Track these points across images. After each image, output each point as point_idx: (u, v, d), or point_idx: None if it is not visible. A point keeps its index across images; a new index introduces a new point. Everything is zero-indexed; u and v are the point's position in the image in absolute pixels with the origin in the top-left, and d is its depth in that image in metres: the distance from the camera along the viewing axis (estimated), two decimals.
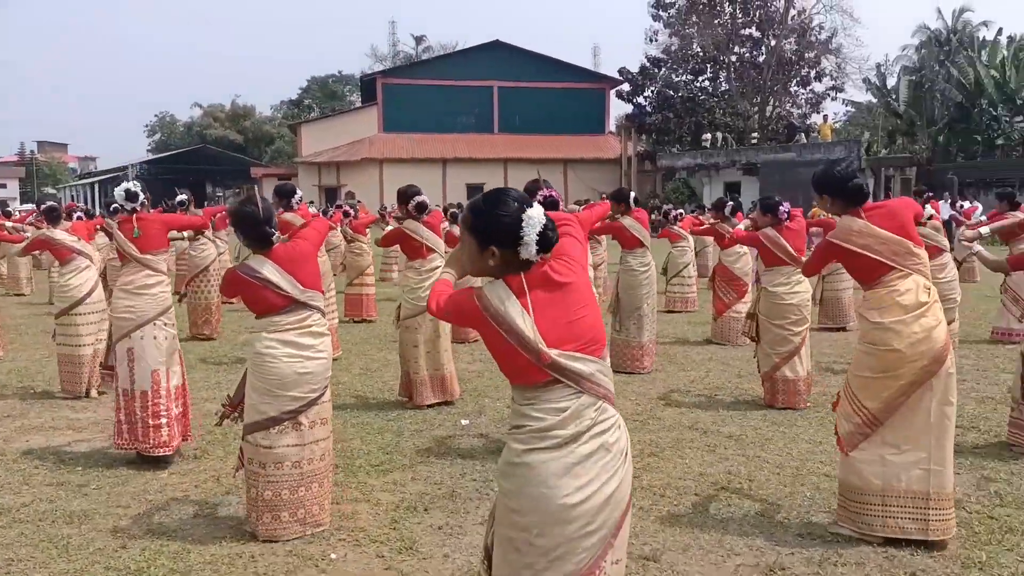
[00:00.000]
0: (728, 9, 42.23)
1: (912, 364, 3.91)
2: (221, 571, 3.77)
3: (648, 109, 42.65)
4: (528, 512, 2.39)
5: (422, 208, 6.90)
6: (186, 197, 10.07)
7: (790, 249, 6.52)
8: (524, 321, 2.37)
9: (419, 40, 69.92)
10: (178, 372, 5.34)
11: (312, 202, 41.55)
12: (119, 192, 5.45)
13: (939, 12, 44.70)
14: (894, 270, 4.00)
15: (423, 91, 46.97)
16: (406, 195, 6.81)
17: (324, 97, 72.77)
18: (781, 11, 41.26)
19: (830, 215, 4.49)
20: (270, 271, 3.99)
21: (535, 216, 2.38)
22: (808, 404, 6.56)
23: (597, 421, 2.43)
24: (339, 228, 11.82)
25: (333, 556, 3.90)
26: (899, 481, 3.96)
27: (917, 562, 3.85)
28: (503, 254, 2.40)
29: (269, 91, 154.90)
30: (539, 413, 2.40)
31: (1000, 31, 33.21)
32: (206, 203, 57.93)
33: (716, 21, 41.47)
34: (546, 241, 2.41)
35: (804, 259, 5.85)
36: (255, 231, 4.05)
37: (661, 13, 43.55)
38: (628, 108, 45.18)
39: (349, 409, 6.55)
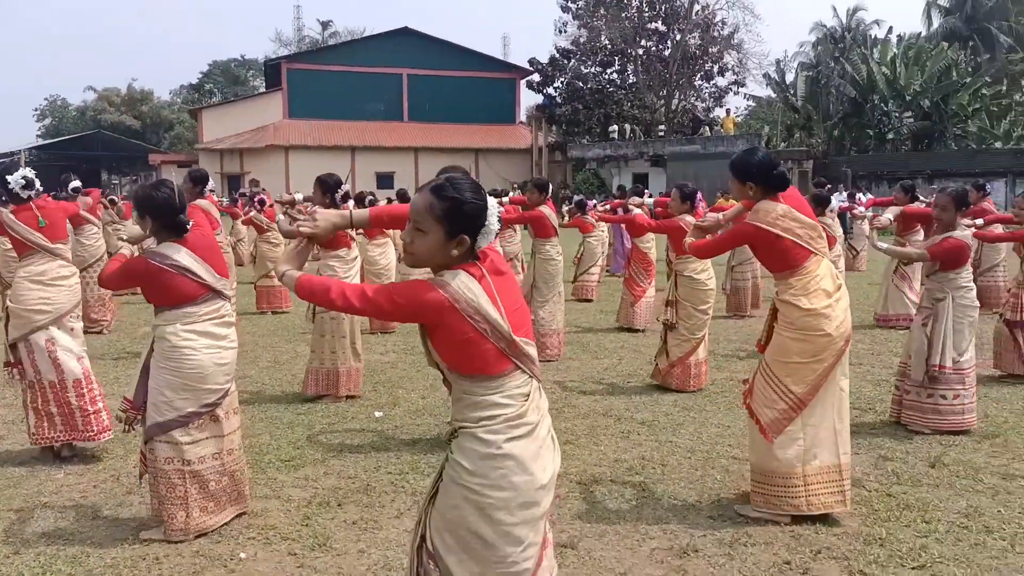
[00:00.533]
0: (635, 3, 42.97)
1: (835, 345, 4.05)
2: (123, 575, 3.60)
3: (558, 100, 42.98)
4: (507, 502, 2.39)
5: (345, 197, 6.78)
6: (79, 183, 9.60)
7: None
8: (495, 309, 2.37)
9: (325, 25, 68.64)
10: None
11: (212, 190, 40.36)
12: (16, 179, 5.14)
13: (834, 10, 46.65)
14: (812, 255, 4.10)
15: (330, 77, 46.11)
16: (328, 184, 6.63)
17: (226, 82, 70.65)
18: (686, 6, 42.22)
19: (741, 202, 4.55)
20: (186, 258, 3.85)
21: (492, 202, 2.41)
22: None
23: (544, 408, 2.52)
24: (252, 216, 11.53)
25: (242, 555, 3.77)
26: (815, 458, 4.11)
27: (822, 540, 3.98)
28: (464, 240, 2.37)
29: (168, 75, 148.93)
30: (507, 400, 2.40)
31: (891, 30, 34.93)
32: (104, 192, 55.54)
33: (623, 14, 42.16)
34: (491, 233, 2.42)
35: None
36: (171, 218, 3.89)
37: (570, 5, 43.97)
38: (538, 98, 45.45)
39: (257, 403, 6.36)
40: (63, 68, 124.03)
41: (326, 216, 2.80)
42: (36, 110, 75.93)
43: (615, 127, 37.91)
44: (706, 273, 6.73)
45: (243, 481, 4.12)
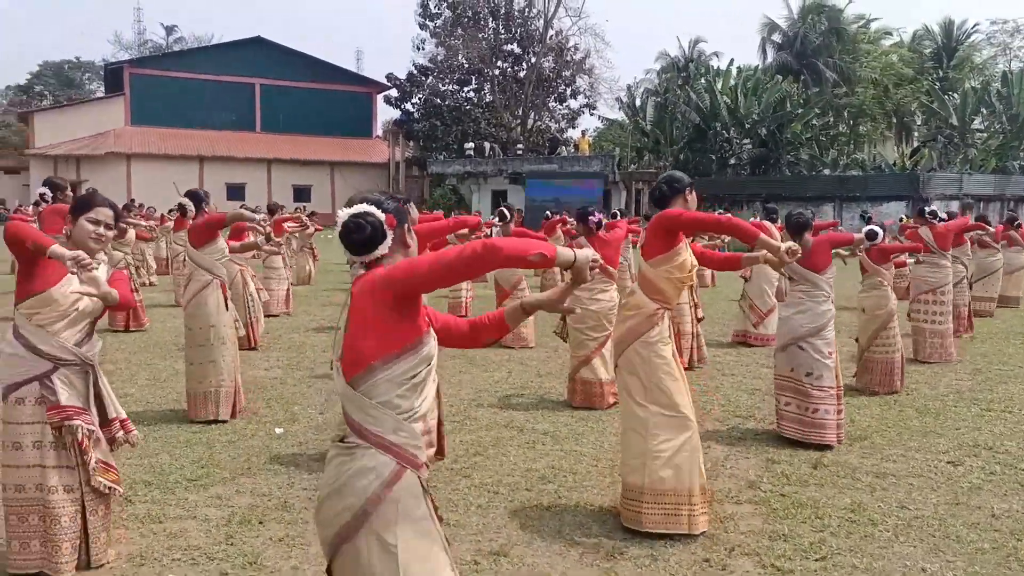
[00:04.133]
0: (492, 25, 43.77)
1: None
2: None
3: (416, 116, 43.04)
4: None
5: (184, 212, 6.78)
6: None
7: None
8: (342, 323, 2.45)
9: (170, 30, 65.96)
10: None
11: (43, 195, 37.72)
12: None
13: (678, 40, 49.29)
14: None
15: (177, 84, 44.25)
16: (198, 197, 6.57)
17: (59, 84, 66.29)
18: (540, 31, 43.40)
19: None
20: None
21: (342, 216, 2.44)
22: (609, 405, 6.82)
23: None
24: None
25: None
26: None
27: (732, 538, 4.25)
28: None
29: None
30: None
31: (732, 61, 37.14)
32: None
33: (480, 35, 42.88)
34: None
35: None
36: None
37: (428, 23, 44.25)
38: (395, 113, 45.40)
39: (147, 423, 6.06)
40: None
41: None
42: None
43: (471, 144, 38.36)
44: (586, 294, 6.71)
45: (56, 531, 3.51)
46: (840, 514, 4.60)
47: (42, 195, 6.96)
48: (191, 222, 6.60)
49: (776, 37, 41.88)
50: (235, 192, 41.33)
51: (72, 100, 54.83)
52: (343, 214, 2.42)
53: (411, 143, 43.98)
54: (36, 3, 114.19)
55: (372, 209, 2.41)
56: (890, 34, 43.55)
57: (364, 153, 46.93)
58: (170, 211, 18.55)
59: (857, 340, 7.85)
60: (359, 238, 2.40)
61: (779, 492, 4.94)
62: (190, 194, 6.91)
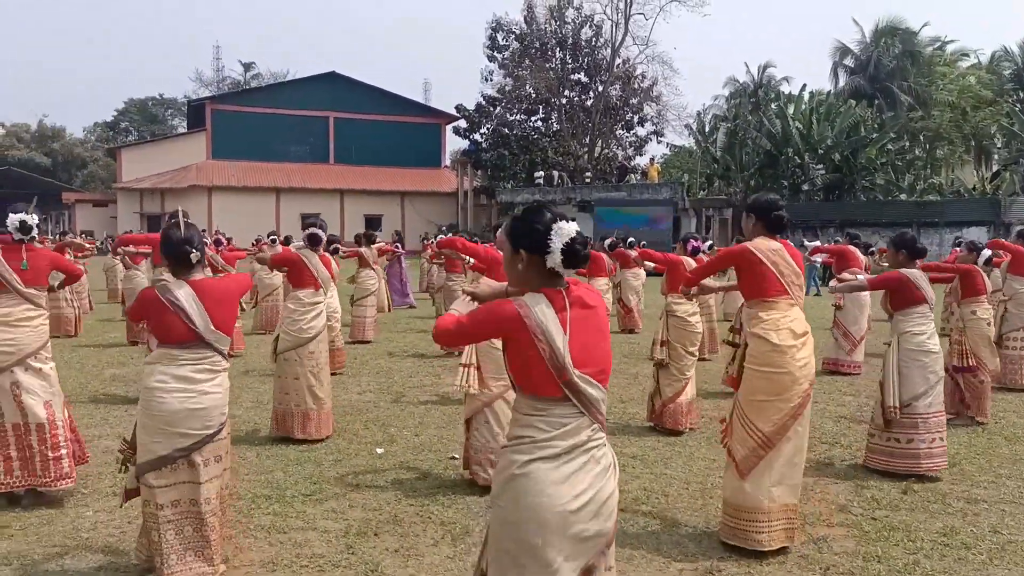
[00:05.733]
0: (559, 54, 44.36)
1: (799, 387, 4.34)
2: None
3: (484, 145, 43.75)
4: (528, 522, 2.55)
5: (314, 240, 7.01)
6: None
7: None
8: (560, 337, 2.60)
9: (248, 67, 68.34)
10: (62, 402, 5.14)
11: (131, 231, 39.50)
12: (12, 221, 5.17)
13: (746, 66, 49.12)
14: (786, 295, 4.48)
15: (255, 119, 45.92)
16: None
17: (143, 120, 69.35)
18: (607, 60, 43.79)
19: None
20: (185, 298, 3.81)
21: (564, 228, 2.64)
22: (690, 427, 7.02)
23: (591, 439, 2.67)
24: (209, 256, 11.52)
25: None
26: (774, 501, 4.35)
27: (827, 559, 4.37)
28: (530, 258, 2.67)
29: (81, 112, 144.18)
30: (544, 425, 2.61)
31: (804, 87, 36.86)
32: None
33: (547, 65, 43.46)
34: (573, 255, 2.64)
35: None
36: (175, 250, 3.91)
37: (496, 55, 45.05)
38: (464, 143, 46.21)
39: (257, 443, 6.45)
40: None
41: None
42: None
43: (541, 173, 38.79)
44: (695, 317, 7.10)
45: (211, 536, 3.82)
46: (932, 538, 4.67)
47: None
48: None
49: (848, 61, 41.53)
50: (310, 222, 42.50)
51: (156, 136, 57.29)
52: (571, 229, 2.64)
53: (479, 172, 44.70)
54: (122, 43, 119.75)
55: None
56: (967, 56, 42.77)
57: (433, 183, 47.88)
58: (256, 241, 19.33)
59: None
60: (585, 254, 2.68)
61: (870, 516, 5.03)
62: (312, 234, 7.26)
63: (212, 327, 3.83)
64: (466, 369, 5.22)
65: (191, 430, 3.76)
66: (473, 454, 5.30)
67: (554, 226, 2.62)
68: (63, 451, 4.99)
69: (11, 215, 5.18)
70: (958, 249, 8.06)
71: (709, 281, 5.07)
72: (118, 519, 4.70)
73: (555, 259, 2.62)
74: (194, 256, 3.90)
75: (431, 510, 4.94)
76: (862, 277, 6.95)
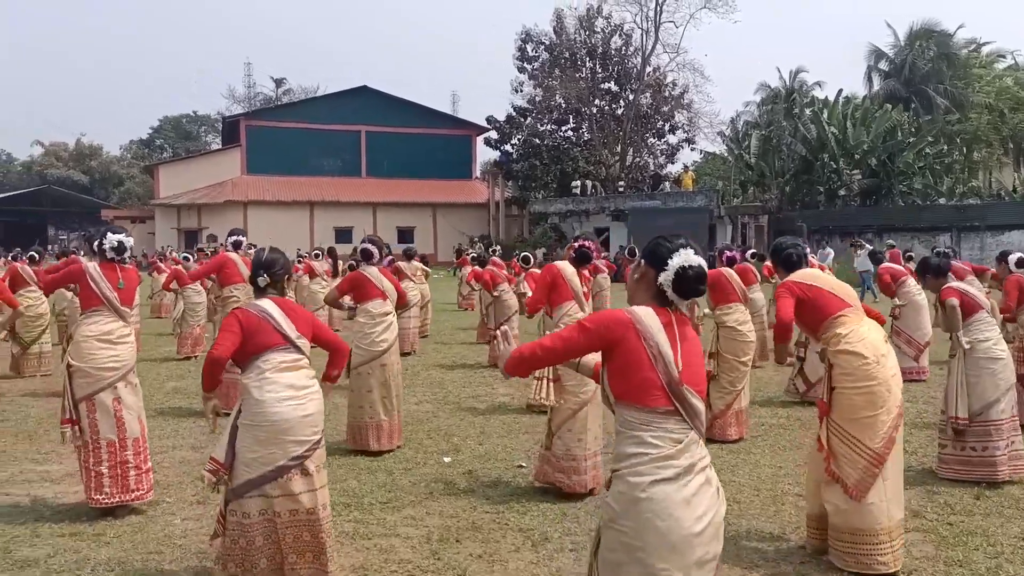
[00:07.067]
0: (588, 64, 44.45)
1: (895, 396, 4.29)
2: None
3: (515, 156, 43.90)
4: (656, 547, 2.56)
5: (366, 255, 7.04)
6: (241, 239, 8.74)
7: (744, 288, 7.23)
8: (667, 346, 2.70)
9: (279, 83, 69.16)
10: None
11: (170, 247, 40.14)
12: (110, 241, 5.33)
13: (779, 71, 48.86)
14: (850, 306, 4.48)
15: (289, 134, 46.48)
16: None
17: (178, 137, 70.44)
18: (638, 68, 43.80)
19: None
20: (271, 307, 4.03)
21: (686, 254, 2.75)
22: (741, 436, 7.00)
23: (701, 457, 2.70)
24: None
25: None
26: (891, 519, 4.26)
27: (908, 564, 4.37)
28: (647, 270, 2.82)
29: (117, 130, 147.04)
30: (657, 440, 2.63)
31: (840, 92, 36.55)
32: (50, 246, 54.35)
33: (578, 75, 43.55)
34: (684, 280, 2.74)
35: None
36: (252, 275, 4.19)
37: (526, 66, 45.25)
38: (494, 154, 46.48)
39: (330, 452, 6.50)
40: (8, 123, 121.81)
41: None
42: None
43: (577, 182, 38.83)
44: (747, 325, 7.09)
45: (326, 542, 3.91)
46: (1012, 542, 4.66)
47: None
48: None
49: (882, 65, 41.15)
50: (343, 235, 42.99)
51: (191, 152, 58.16)
52: (692, 258, 2.76)
53: (510, 183, 44.85)
54: (156, 62, 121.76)
55: None
56: (1003, 57, 42.23)
57: (464, 194, 48.13)
58: (299, 259, 19.52)
59: None
60: (697, 284, 2.79)
61: (945, 521, 5.02)
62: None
63: (297, 332, 4.03)
64: (539, 382, 5.28)
65: (304, 436, 3.87)
66: (555, 462, 5.36)
67: (680, 249, 2.76)
68: (150, 463, 5.16)
69: (109, 235, 5.36)
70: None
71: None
72: (205, 526, 4.81)
73: (668, 276, 2.73)
74: (262, 283, 4.14)
75: (507, 517, 5.01)
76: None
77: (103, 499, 4.91)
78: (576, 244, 6.06)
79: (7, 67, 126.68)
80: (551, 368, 5.15)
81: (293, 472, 3.84)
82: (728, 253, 7.98)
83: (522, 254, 11.62)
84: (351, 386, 6.67)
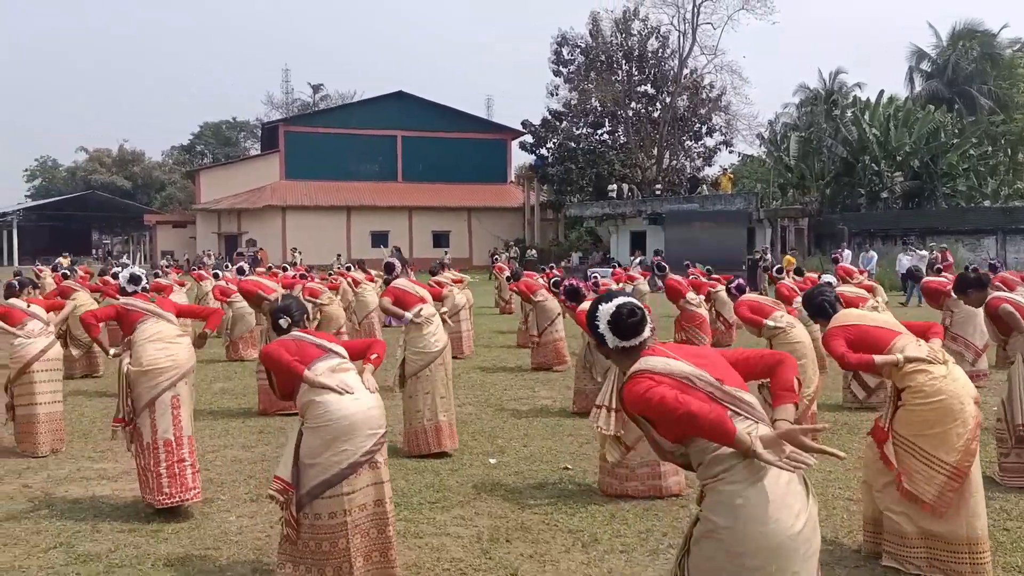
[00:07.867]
0: (625, 67, 44.27)
1: (969, 407, 4.17)
2: None
3: (550, 160, 43.86)
4: (760, 551, 2.53)
5: (388, 268, 7.44)
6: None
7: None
8: (685, 364, 2.73)
9: (317, 88, 69.90)
10: None
11: (210, 251, 40.77)
12: (124, 276, 5.70)
13: (819, 72, 48.33)
14: (899, 334, 4.37)
15: (326, 139, 46.91)
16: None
17: (218, 143, 71.48)
18: (675, 70, 43.54)
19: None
20: (297, 332, 4.31)
21: (604, 307, 2.88)
22: None
23: None
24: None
25: None
26: (981, 529, 4.18)
27: (967, 570, 4.30)
28: (597, 345, 2.99)
29: (159, 136, 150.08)
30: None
31: (882, 93, 36.01)
32: (94, 251, 55.52)
33: (613, 78, 43.39)
34: (619, 326, 2.84)
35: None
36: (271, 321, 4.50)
37: (561, 69, 45.19)
38: (529, 158, 46.40)
39: None
40: (54, 129, 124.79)
41: None
42: (26, 171, 76.40)
43: (614, 186, 38.64)
44: (796, 330, 6.86)
45: (392, 538, 4.02)
46: None
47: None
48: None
49: (924, 65, 40.52)
50: (379, 239, 43.35)
51: (230, 158, 58.98)
52: (607, 309, 2.88)
53: (545, 187, 44.82)
54: (197, 69, 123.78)
55: None
56: None
57: (500, 198, 48.19)
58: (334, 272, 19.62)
59: None
60: (633, 321, 2.89)
61: (1002, 527, 4.93)
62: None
63: (328, 343, 4.25)
64: (600, 410, 5.30)
65: (371, 430, 3.96)
66: (632, 470, 5.38)
67: (600, 305, 2.91)
68: (197, 463, 5.25)
69: (120, 273, 5.72)
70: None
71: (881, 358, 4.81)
72: (260, 523, 4.90)
73: (610, 340, 2.86)
74: (284, 322, 4.37)
75: (556, 518, 5.02)
76: None
77: (164, 499, 4.97)
78: (565, 283, 6.45)
79: (53, 74, 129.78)
80: (613, 396, 5.18)
81: (364, 467, 3.93)
82: (741, 282, 8.06)
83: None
84: (408, 392, 6.60)
